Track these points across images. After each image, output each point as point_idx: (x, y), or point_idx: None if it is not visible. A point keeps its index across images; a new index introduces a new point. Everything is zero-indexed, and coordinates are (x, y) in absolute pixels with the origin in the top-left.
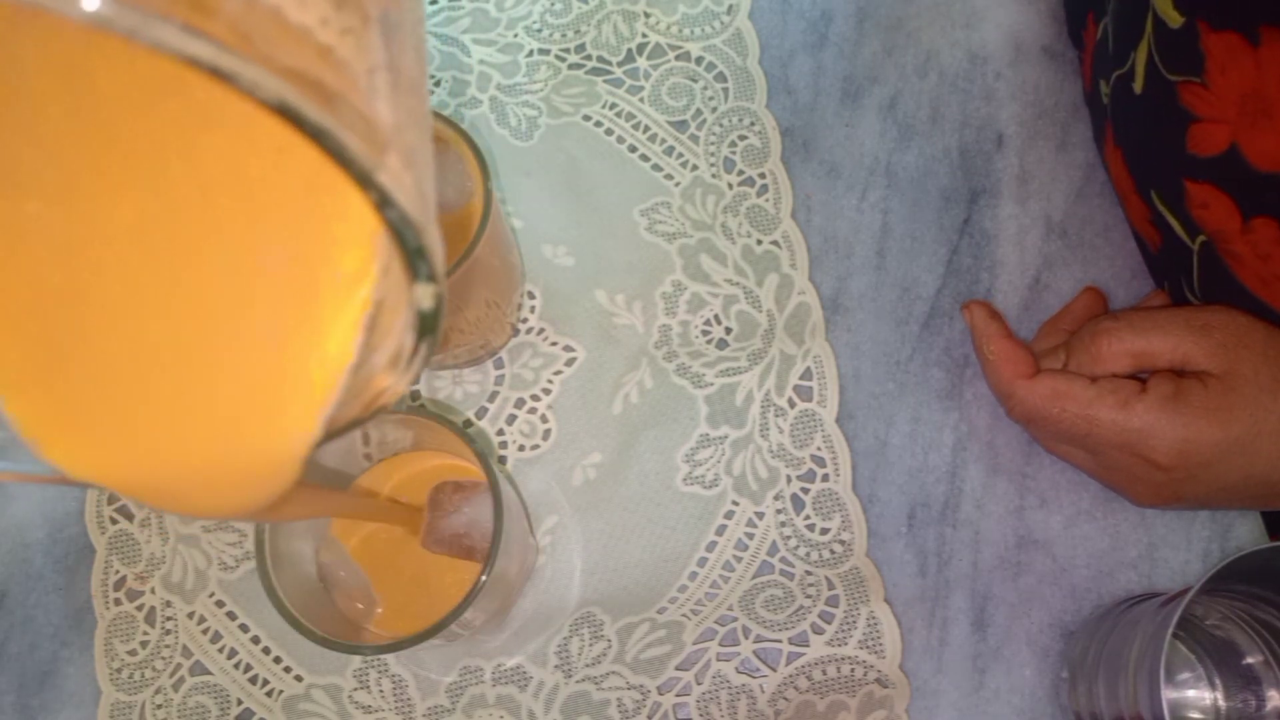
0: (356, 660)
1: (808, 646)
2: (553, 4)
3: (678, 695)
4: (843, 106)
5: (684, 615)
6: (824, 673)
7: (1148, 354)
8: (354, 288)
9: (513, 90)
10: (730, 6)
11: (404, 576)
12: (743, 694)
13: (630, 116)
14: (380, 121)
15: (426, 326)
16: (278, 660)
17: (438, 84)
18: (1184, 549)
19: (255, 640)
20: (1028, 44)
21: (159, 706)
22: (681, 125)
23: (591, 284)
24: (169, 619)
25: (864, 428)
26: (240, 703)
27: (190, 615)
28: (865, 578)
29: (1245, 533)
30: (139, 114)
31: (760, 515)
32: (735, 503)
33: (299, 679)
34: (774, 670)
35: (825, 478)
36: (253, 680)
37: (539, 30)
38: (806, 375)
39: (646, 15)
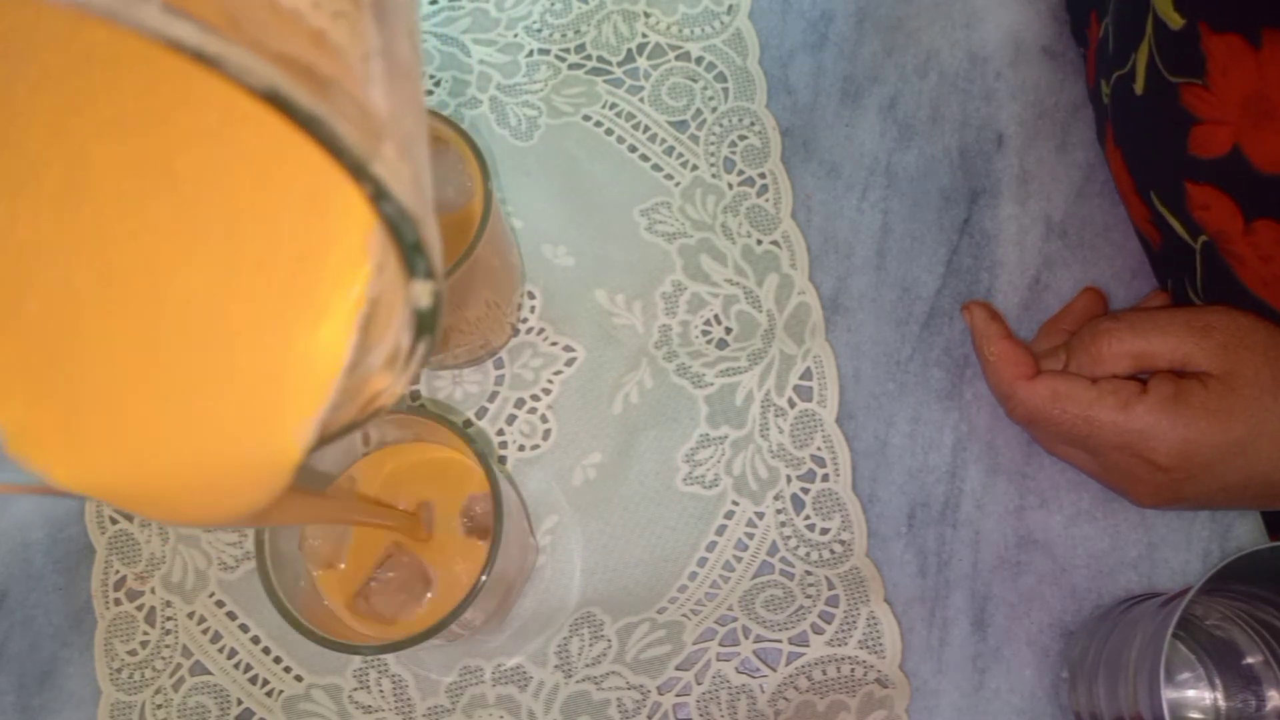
0: (356, 660)
1: (808, 646)
2: (553, 4)
3: (678, 695)
4: (843, 106)
5: (684, 615)
6: (824, 673)
7: (1148, 355)
8: (347, 285)
9: (513, 90)
10: (730, 6)
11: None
12: (743, 694)
13: (630, 116)
14: (375, 109)
15: (424, 325)
16: (278, 660)
17: (437, 84)
18: (1184, 549)
19: (255, 640)
20: (1028, 44)
21: (159, 706)
22: (681, 125)
23: (591, 284)
24: (169, 619)
25: (864, 428)
26: (240, 703)
27: (190, 615)
28: (865, 578)
29: (1245, 533)
30: (126, 116)
31: (760, 515)
32: (735, 503)
33: (299, 679)
34: (774, 670)
35: (825, 478)
36: (253, 680)
37: (539, 30)
38: (806, 375)
39: (646, 15)
